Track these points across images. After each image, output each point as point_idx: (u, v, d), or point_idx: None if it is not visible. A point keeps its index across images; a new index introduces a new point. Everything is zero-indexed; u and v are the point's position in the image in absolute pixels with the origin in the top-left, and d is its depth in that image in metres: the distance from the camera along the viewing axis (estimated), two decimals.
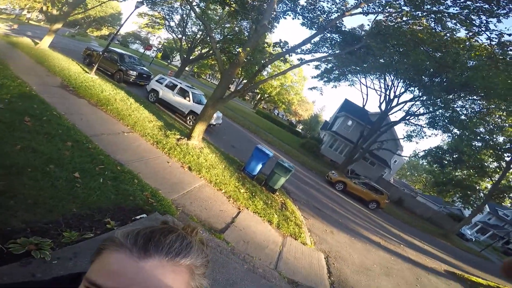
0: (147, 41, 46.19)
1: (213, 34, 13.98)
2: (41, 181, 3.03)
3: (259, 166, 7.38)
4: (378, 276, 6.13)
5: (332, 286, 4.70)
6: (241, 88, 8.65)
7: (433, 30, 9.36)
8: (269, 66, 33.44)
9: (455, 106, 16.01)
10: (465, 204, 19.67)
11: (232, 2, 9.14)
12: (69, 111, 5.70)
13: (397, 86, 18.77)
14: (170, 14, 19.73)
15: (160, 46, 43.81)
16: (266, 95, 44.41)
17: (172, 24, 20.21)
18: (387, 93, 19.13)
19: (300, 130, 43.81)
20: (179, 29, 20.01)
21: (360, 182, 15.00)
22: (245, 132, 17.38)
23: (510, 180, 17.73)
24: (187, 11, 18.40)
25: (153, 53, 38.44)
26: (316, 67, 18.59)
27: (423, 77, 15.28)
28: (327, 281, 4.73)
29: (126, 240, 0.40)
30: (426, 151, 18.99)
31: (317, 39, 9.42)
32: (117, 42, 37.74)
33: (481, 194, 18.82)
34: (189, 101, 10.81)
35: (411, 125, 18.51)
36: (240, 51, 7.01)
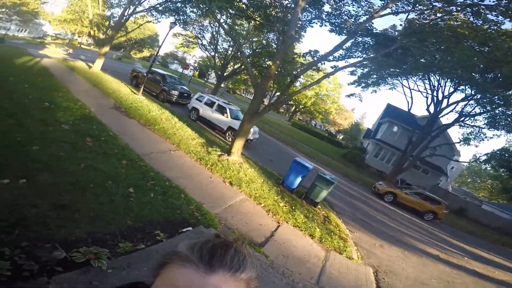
0: (184, 60, 49.31)
1: (243, 49, 14.47)
2: (101, 196, 3.36)
3: (299, 179, 7.20)
4: None
5: None
6: (275, 101, 8.63)
7: (474, 24, 8.31)
8: (302, 76, 33.22)
9: None
10: None
11: (256, 16, 9.36)
12: (123, 131, 6.34)
13: (445, 86, 16.80)
14: (202, 32, 20.83)
15: (196, 64, 46.57)
16: (301, 106, 43.11)
17: (204, 42, 21.32)
18: (434, 94, 17.24)
19: (340, 141, 41.77)
20: (211, 46, 21.04)
21: (413, 192, 13.62)
22: (282, 145, 17.27)
23: None
24: (217, 28, 19.28)
25: (190, 72, 41.05)
26: (352, 73, 17.46)
27: (473, 74, 13.47)
28: None
29: (192, 255, 0.41)
30: (489, 155, 16.65)
31: (348, 44, 9.07)
32: (157, 63, 41.33)
33: None
34: (227, 117, 11.16)
35: (467, 127, 16.55)
36: (270, 63, 7.08)
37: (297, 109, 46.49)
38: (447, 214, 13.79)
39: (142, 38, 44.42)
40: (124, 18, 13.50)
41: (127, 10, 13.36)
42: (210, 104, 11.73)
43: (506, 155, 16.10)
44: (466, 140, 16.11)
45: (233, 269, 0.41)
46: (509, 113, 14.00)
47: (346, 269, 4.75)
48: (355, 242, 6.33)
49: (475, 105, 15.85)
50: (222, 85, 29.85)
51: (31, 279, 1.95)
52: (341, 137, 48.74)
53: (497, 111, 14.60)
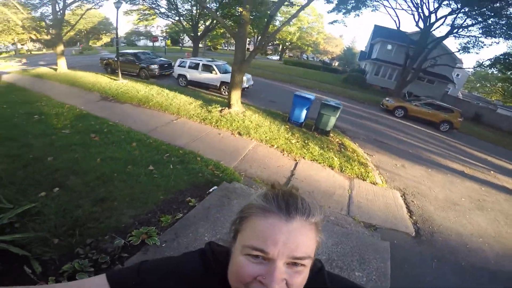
0: (150, 34, 46.22)
1: (208, 5, 13.07)
2: (128, 181, 3.51)
3: (304, 112, 7.22)
4: (469, 211, 5.26)
5: (415, 226, 4.25)
6: (259, 44, 8.18)
7: None
8: (280, 14, 30.63)
9: (510, 12, 12.86)
10: None
11: None
12: (121, 118, 6.29)
13: (428, 1, 15.81)
14: (155, 1, 18.74)
15: (164, 34, 43.27)
16: (287, 44, 42.24)
17: (162, 10, 19.38)
18: (419, 11, 16.37)
19: (337, 67, 41.30)
20: (172, 12, 19.12)
21: (423, 104, 13.09)
22: (280, 85, 16.74)
23: None
24: None
25: (162, 43, 38.46)
26: (328, 0, 16.89)
27: None
28: (409, 221, 4.30)
29: (272, 206, 0.46)
30: (493, 60, 16.08)
31: None
32: (123, 44, 38.63)
33: None
34: (216, 73, 11.19)
35: (463, 37, 16.10)
36: (241, 10, 6.72)
37: (284, 47, 45.61)
38: (462, 122, 13.14)
39: (94, 27, 40.24)
40: (59, 13, 12.17)
41: (56, 5, 11.94)
42: (195, 67, 11.67)
43: (510, 58, 15.51)
44: (465, 49, 16.05)
45: (305, 214, 0.46)
46: (503, 22, 13.21)
47: (373, 195, 4.74)
48: (375, 165, 6.31)
49: (465, 17, 15.00)
50: (200, 45, 28.05)
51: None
52: (336, 64, 48.26)
53: (489, 21, 13.86)
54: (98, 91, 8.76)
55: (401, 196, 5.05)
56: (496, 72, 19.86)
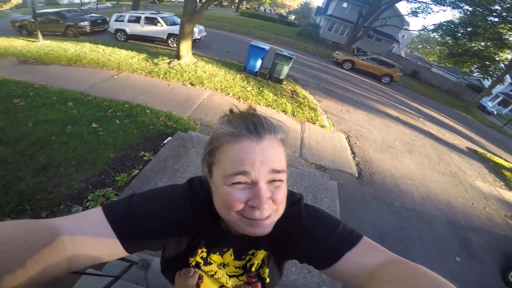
0: None
1: None
2: (69, 142, 3.16)
3: (259, 62, 7.28)
4: (401, 154, 5.91)
5: (358, 167, 4.65)
6: None
7: None
8: None
9: None
10: (484, 75, 18.43)
11: None
12: (49, 79, 5.40)
13: None
14: None
15: None
16: None
17: None
18: None
19: (293, 21, 41.29)
20: None
21: (369, 58, 14.44)
22: (236, 36, 16.06)
23: None
24: None
25: None
26: None
27: None
28: (353, 162, 4.70)
29: (241, 130, 0.45)
30: (437, 25, 17.89)
31: None
32: (41, 4, 30.89)
33: (501, 65, 17.27)
34: (162, 26, 10.40)
35: (415, 2, 17.46)
36: None
37: None
38: (401, 77, 15.05)
39: None
40: None
41: None
42: (136, 20, 10.60)
43: (452, 26, 17.17)
44: (414, 13, 17.65)
45: (272, 131, 0.47)
46: None
47: (322, 137, 5.09)
48: (324, 110, 6.82)
49: None
50: None
51: None
52: (293, 18, 48.14)
53: None
54: (14, 56, 7.23)
55: (346, 139, 5.57)
56: (438, 36, 22.01)
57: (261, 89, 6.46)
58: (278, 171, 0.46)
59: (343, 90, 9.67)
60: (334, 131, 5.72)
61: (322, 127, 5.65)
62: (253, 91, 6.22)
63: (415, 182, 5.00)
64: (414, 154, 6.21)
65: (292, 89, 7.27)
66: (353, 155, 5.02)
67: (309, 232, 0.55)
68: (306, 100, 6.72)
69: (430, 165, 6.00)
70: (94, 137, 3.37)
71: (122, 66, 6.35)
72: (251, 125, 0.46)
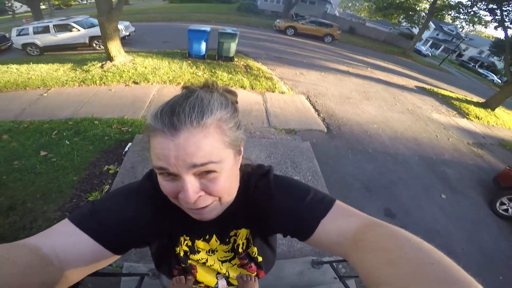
0: None
1: None
2: (24, 177, 2.80)
3: (203, 45, 6.94)
4: (360, 102, 6.25)
5: (325, 123, 4.81)
6: None
7: None
8: None
9: None
10: (410, 23, 21.22)
11: None
12: None
13: None
14: None
15: None
16: None
17: None
18: None
19: None
20: None
21: (308, 22, 15.06)
22: (171, 25, 14.96)
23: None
24: None
25: None
26: None
27: None
28: (319, 119, 4.86)
29: (156, 123, 0.40)
30: None
31: None
32: None
33: (423, 14, 19.86)
34: (79, 30, 9.37)
35: None
36: None
37: None
38: (341, 34, 15.94)
39: None
40: None
41: None
42: (45, 30, 9.36)
43: None
44: None
45: (195, 118, 0.39)
46: None
47: (284, 103, 5.18)
48: (279, 77, 6.89)
49: None
50: (43, 6, 20.54)
51: None
52: None
53: None
54: None
55: (307, 99, 5.77)
56: None
57: (213, 70, 6.23)
58: (201, 165, 0.39)
59: (292, 55, 9.89)
60: (294, 95, 5.83)
61: (282, 93, 5.73)
62: (205, 74, 5.94)
63: (380, 125, 5.30)
64: (372, 100, 6.68)
65: (245, 64, 7.13)
66: (317, 113, 5.18)
67: (280, 203, 0.53)
68: (260, 72, 6.68)
69: (388, 106, 6.51)
70: (49, 165, 2.96)
71: (48, 81, 5.42)
72: (166, 117, 0.40)
